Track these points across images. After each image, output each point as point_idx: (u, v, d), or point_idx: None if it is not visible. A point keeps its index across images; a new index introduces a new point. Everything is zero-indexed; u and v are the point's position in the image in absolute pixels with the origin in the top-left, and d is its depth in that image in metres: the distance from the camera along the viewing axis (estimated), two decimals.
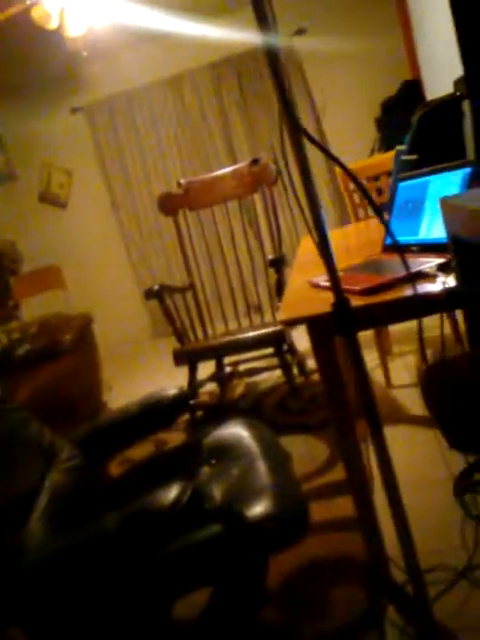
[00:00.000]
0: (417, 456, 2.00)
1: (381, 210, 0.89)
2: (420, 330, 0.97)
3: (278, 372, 2.86)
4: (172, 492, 1.13)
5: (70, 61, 3.87)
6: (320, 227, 0.86)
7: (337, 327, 0.93)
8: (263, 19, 0.93)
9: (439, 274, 1.10)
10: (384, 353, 2.66)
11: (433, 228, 1.28)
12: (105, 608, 1.02)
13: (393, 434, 2.23)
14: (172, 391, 1.55)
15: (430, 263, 1.15)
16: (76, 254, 4.95)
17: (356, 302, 1.13)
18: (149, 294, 2.77)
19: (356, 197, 2.69)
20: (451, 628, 1.27)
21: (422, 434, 2.14)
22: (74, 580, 1.02)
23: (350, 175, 0.86)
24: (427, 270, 1.13)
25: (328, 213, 4.37)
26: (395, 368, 2.77)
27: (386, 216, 1.50)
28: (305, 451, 2.34)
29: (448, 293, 0.98)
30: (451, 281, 1.04)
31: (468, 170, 1.22)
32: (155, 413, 1.48)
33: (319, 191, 3.78)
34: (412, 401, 2.39)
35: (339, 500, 1.91)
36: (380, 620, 1.34)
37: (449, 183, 1.28)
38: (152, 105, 4.64)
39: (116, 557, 1.03)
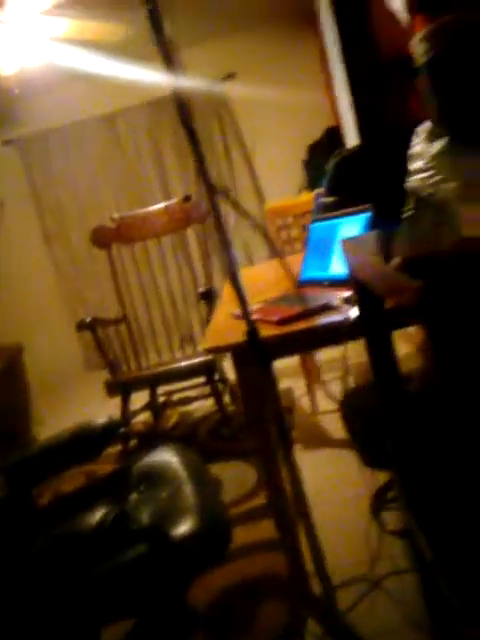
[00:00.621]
0: (339, 476, 2.12)
1: (280, 252, 1.00)
2: (304, 360, 1.08)
3: (210, 401, 2.94)
4: (97, 516, 1.17)
5: (2, 94, 3.90)
6: (231, 268, 0.96)
7: (251, 354, 1.03)
8: (170, 64, 1.03)
9: (344, 306, 1.23)
10: (311, 380, 2.80)
11: (341, 265, 1.43)
12: (31, 633, 1.04)
13: (317, 456, 2.35)
14: (102, 420, 1.58)
15: (337, 296, 1.28)
16: (6, 285, 4.86)
17: (271, 331, 1.24)
18: (81, 326, 2.80)
19: (282, 234, 2.86)
20: (366, 634, 1.36)
21: (345, 456, 2.27)
22: None
23: (255, 225, 0.97)
24: (333, 303, 1.26)
25: (258, 248, 4.55)
26: (323, 395, 2.91)
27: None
28: (236, 477, 2.42)
29: (349, 323, 1.10)
30: (353, 313, 1.17)
31: (369, 214, 1.37)
32: (84, 442, 1.51)
33: (250, 227, 3.88)
34: (336, 426, 2.53)
35: (267, 522, 1.98)
36: (301, 632, 1.42)
37: (354, 226, 1.43)
38: (87, 141, 4.70)
39: (41, 580, 1.06)
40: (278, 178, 4.54)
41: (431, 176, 0.48)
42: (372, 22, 1.01)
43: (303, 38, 4.33)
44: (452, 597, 0.91)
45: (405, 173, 0.83)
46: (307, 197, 3.10)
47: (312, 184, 3.96)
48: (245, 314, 1.00)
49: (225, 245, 0.93)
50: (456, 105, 0.52)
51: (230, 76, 4.43)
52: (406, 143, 1.07)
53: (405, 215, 0.54)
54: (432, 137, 0.49)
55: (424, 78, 0.57)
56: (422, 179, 0.49)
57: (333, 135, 4.00)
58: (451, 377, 0.56)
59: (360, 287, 1.02)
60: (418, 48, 0.58)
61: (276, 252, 1.01)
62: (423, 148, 0.51)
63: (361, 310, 1.04)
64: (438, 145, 0.48)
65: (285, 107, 4.41)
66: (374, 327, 1.04)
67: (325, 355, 2.97)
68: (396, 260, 0.59)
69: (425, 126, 0.53)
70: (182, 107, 0.92)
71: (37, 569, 1.09)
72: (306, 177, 4.27)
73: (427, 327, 0.56)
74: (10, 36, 2.64)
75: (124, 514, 1.23)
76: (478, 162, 0.43)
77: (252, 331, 1.00)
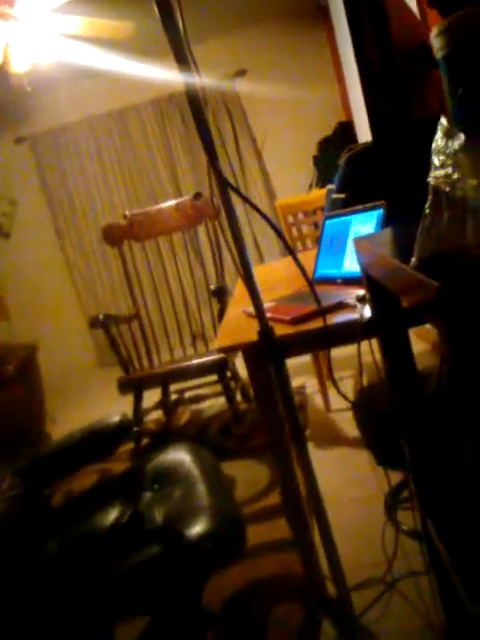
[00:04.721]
0: (352, 475, 2.11)
1: (294, 250, 0.99)
2: (316, 358, 1.07)
3: (222, 399, 2.93)
4: (111, 515, 1.17)
5: (14, 92, 3.91)
6: (245, 266, 0.95)
7: (264, 353, 1.01)
8: (183, 60, 1.02)
9: (357, 305, 1.21)
10: (323, 378, 2.78)
11: (354, 263, 1.41)
12: (46, 632, 1.04)
13: (330, 455, 2.33)
14: (115, 418, 1.58)
15: (350, 295, 1.27)
16: (20, 283, 4.90)
17: (285, 331, 1.22)
18: (94, 323, 2.80)
19: (294, 230, 2.84)
20: (380, 636, 1.35)
21: (357, 454, 2.25)
22: (14, 604, 1.03)
23: (268, 220, 0.96)
24: (348, 301, 1.24)
25: (269, 246, 4.55)
26: (335, 392, 2.89)
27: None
28: (248, 475, 2.41)
29: (364, 322, 1.09)
30: (367, 311, 1.15)
31: (382, 211, 1.35)
32: (98, 440, 1.51)
33: (263, 224, 3.92)
34: (349, 424, 2.51)
35: (280, 521, 1.97)
36: (315, 633, 1.41)
37: (367, 222, 1.41)
38: (97, 137, 4.71)
39: (56, 580, 1.06)
40: (288, 174, 4.52)
41: (450, 173, 0.46)
42: (385, 11, 0.99)
43: (314, 33, 4.29)
44: (468, 601, 0.89)
45: (420, 169, 0.81)
46: (318, 194, 3.08)
47: (322, 180, 3.93)
48: (259, 313, 0.99)
49: (237, 241, 0.92)
50: (472, 101, 0.51)
51: (240, 73, 4.41)
52: (421, 137, 1.05)
53: (424, 213, 0.52)
54: (451, 133, 0.48)
55: (442, 74, 0.56)
56: (441, 176, 0.48)
57: (344, 130, 3.97)
58: (469, 379, 0.54)
59: (374, 286, 1.01)
60: (435, 43, 0.56)
61: (286, 245, 0.99)
62: (442, 144, 0.49)
63: (375, 309, 1.03)
64: (457, 141, 0.47)
65: (296, 103, 4.39)
66: (389, 326, 1.02)
67: (336, 352, 2.96)
68: (413, 259, 0.57)
69: (444, 121, 0.51)
70: (195, 103, 0.90)
71: (51, 569, 1.09)
72: (316, 173, 4.24)
73: (445, 327, 0.55)
74: (22, 33, 2.65)
75: (138, 514, 1.22)
76: None
77: (266, 331, 0.99)
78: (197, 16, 3.84)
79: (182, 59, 0.96)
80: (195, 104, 0.90)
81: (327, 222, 1.63)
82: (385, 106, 0.96)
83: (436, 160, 0.50)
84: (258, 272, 1.11)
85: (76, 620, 1.09)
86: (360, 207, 1.46)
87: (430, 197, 0.52)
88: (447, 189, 0.48)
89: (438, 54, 0.57)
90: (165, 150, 4.68)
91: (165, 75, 3.70)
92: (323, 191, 2.92)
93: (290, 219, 2.86)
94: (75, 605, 1.08)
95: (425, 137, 1.09)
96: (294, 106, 4.41)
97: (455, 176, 0.47)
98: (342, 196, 1.90)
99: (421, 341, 2.88)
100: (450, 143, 0.49)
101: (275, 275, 2.22)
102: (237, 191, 0.92)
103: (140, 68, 4.04)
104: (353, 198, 1.81)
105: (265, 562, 1.78)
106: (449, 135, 0.49)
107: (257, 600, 1.64)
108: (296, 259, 0.95)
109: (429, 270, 0.58)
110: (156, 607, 1.27)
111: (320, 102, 4.30)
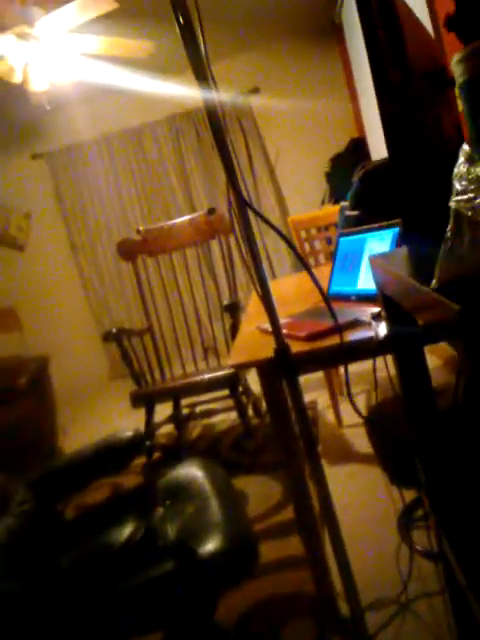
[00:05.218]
0: (364, 492, 2.09)
1: (309, 266, 1.00)
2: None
3: (234, 413, 2.93)
4: (125, 531, 1.17)
5: (31, 109, 3.99)
6: (263, 283, 0.96)
7: (279, 371, 1.02)
8: (204, 78, 1.03)
9: (373, 322, 1.22)
10: (334, 394, 2.77)
11: (369, 280, 1.41)
12: None
13: (342, 471, 2.32)
14: (127, 433, 1.59)
15: (365, 312, 1.27)
16: (33, 296, 4.95)
17: (300, 347, 1.23)
18: (107, 337, 2.82)
19: (305, 246, 2.85)
20: None
21: (370, 471, 2.24)
22: (27, 620, 1.04)
23: (289, 245, 0.97)
24: (363, 318, 1.25)
25: (280, 261, 4.57)
26: (347, 408, 2.88)
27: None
28: (260, 491, 2.39)
29: (379, 340, 1.09)
30: (382, 329, 1.16)
31: (397, 230, 1.36)
32: (110, 455, 1.52)
33: (274, 239, 3.93)
34: (361, 439, 2.50)
35: (293, 538, 1.96)
36: None
37: (382, 240, 1.42)
38: (112, 154, 4.78)
39: (69, 596, 1.06)
40: (300, 190, 4.55)
41: (472, 198, 0.47)
42: (402, 33, 1.00)
43: (327, 50, 4.34)
44: None
45: (436, 189, 0.83)
46: (330, 209, 3.10)
47: (335, 196, 3.95)
48: (276, 331, 1.00)
49: (256, 261, 0.93)
50: None
51: (254, 90, 4.47)
52: (437, 156, 1.06)
53: (445, 236, 0.53)
54: (473, 159, 0.49)
55: (463, 100, 0.57)
56: (463, 200, 0.48)
57: (357, 147, 3.99)
58: None
59: (390, 304, 1.01)
60: (456, 69, 0.57)
61: (305, 265, 1.00)
62: (464, 169, 0.50)
63: (391, 327, 1.03)
64: (479, 167, 0.48)
65: (309, 119, 4.43)
66: (405, 344, 1.02)
67: (349, 368, 2.95)
68: (434, 281, 0.58)
69: (466, 147, 0.52)
70: (215, 124, 0.92)
71: (64, 584, 1.09)
72: (328, 189, 4.27)
73: (464, 348, 0.55)
74: (41, 53, 2.70)
75: (151, 530, 1.22)
76: None
77: (282, 348, 1.00)
78: (212, 35, 3.91)
79: (202, 78, 0.98)
80: (215, 125, 0.92)
81: (341, 239, 1.64)
82: (403, 126, 0.97)
83: (458, 185, 0.51)
84: (271, 287, 1.12)
85: (89, 636, 1.09)
86: (375, 225, 1.47)
87: (451, 221, 0.52)
88: (469, 214, 0.48)
89: (459, 80, 0.58)
90: (179, 166, 4.73)
91: (180, 92, 3.76)
92: (336, 207, 2.94)
93: (302, 234, 2.88)
94: (88, 621, 1.08)
95: (441, 156, 1.10)
96: (307, 122, 4.45)
97: (478, 201, 0.48)
98: (355, 213, 1.92)
99: (434, 357, 2.86)
100: (472, 169, 0.49)
101: (287, 290, 2.23)
102: (259, 214, 0.93)
103: (155, 85, 4.11)
104: (367, 215, 1.82)
105: (278, 579, 1.77)
106: (471, 161, 0.50)
107: (269, 617, 1.63)
108: (314, 279, 0.96)
109: (449, 292, 0.58)
110: (169, 623, 1.26)
111: (332, 118, 4.34)
